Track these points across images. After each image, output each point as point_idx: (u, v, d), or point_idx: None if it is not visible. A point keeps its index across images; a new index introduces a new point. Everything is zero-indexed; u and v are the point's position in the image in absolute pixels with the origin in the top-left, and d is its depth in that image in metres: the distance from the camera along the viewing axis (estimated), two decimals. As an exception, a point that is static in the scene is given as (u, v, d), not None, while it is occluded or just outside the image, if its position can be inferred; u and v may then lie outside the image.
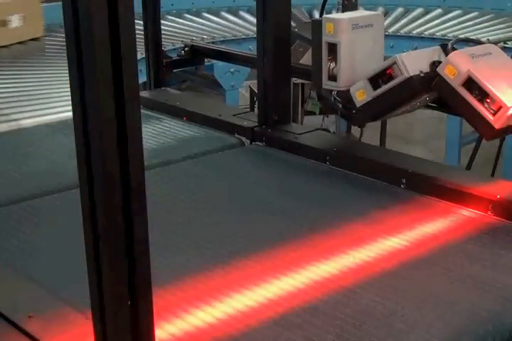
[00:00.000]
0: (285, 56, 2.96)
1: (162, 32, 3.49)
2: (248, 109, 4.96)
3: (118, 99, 1.31)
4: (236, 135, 3.00)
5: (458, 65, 2.33)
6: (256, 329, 1.75)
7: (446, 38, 5.49)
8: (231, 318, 1.79)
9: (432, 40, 5.52)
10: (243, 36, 5.86)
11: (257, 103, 4.13)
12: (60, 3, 1.30)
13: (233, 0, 6.48)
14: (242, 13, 6.39)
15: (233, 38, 5.82)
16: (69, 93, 1.35)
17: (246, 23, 6.17)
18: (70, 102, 1.35)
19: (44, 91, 4.26)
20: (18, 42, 5.33)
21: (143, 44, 3.41)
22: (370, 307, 1.83)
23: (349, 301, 1.85)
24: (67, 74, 1.34)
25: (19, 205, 2.43)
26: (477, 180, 2.45)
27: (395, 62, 2.43)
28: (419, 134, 7.35)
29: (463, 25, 5.92)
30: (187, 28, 6.01)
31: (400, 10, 6.36)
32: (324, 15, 2.68)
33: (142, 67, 3.67)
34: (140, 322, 1.44)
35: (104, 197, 1.36)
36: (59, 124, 3.26)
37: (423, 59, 2.44)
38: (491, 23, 5.92)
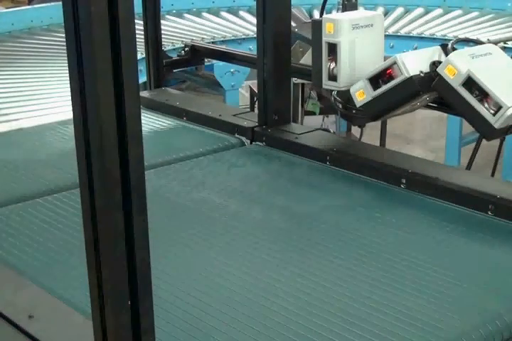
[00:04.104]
0: (285, 56, 2.96)
1: (162, 32, 3.49)
2: (248, 109, 4.96)
3: (118, 99, 1.31)
4: (236, 135, 3.00)
5: (458, 65, 2.33)
6: (255, 329, 1.75)
7: (447, 38, 5.49)
8: (230, 318, 1.79)
9: (432, 40, 5.52)
10: (243, 36, 5.86)
11: (257, 103, 4.12)
12: (60, 3, 1.30)
13: (233, 0, 6.47)
14: (242, 13, 6.39)
15: (233, 38, 5.81)
16: (69, 93, 1.35)
17: (246, 23, 6.17)
18: (70, 102, 1.35)
19: (44, 91, 4.26)
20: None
21: (143, 44, 3.41)
22: (370, 307, 1.83)
23: (349, 301, 1.86)
24: (67, 74, 1.34)
25: (19, 205, 2.43)
26: (477, 180, 2.45)
27: (395, 62, 2.43)
28: (419, 134, 7.34)
29: (463, 25, 5.91)
30: (187, 28, 6.01)
31: (400, 10, 6.35)
32: (324, 15, 2.68)
33: (142, 67, 3.67)
34: (140, 322, 1.44)
35: (104, 197, 1.36)
36: (59, 124, 3.26)
37: (423, 59, 2.44)
38: (491, 23, 5.92)
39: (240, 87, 5.68)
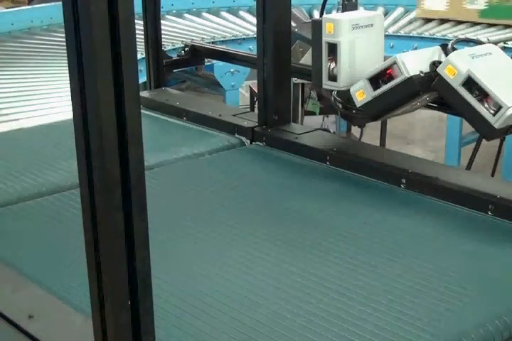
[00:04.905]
0: (285, 56, 2.96)
1: (162, 32, 3.49)
2: (248, 109, 4.96)
3: (118, 99, 1.31)
4: (236, 135, 3.00)
5: (458, 65, 2.33)
6: (256, 329, 1.75)
7: (447, 38, 5.49)
8: (230, 318, 1.79)
9: (432, 40, 5.52)
10: (243, 36, 5.86)
11: (257, 103, 4.12)
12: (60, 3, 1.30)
13: (233, 0, 6.47)
14: (242, 13, 6.39)
15: (233, 38, 5.82)
16: (69, 93, 1.35)
17: (246, 23, 6.17)
18: (70, 102, 1.35)
19: (44, 91, 4.26)
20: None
21: (143, 44, 3.41)
22: (369, 307, 1.83)
23: (349, 301, 1.86)
24: (67, 74, 1.34)
25: (19, 205, 2.43)
26: (477, 180, 2.45)
27: (395, 62, 2.43)
28: (419, 134, 7.34)
29: (463, 25, 5.91)
30: (187, 28, 6.01)
31: (400, 10, 6.35)
32: (324, 15, 2.68)
33: (142, 67, 3.67)
34: (140, 322, 1.44)
35: (104, 197, 1.36)
36: (59, 124, 3.26)
37: (423, 59, 2.44)
38: (491, 23, 5.91)
39: (240, 87, 5.68)
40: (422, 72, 2.41)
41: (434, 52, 2.47)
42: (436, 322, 1.76)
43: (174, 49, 4.97)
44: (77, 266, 1.87)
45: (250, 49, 5.44)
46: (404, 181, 2.49)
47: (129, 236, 1.39)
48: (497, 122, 2.28)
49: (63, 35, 1.33)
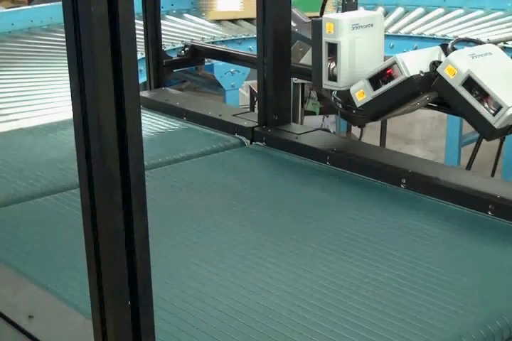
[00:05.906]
0: (285, 56, 2.96)
1: (162, 32, 3.49)
2: (248, 109, 4.96)
3: (118, 99, 1.31)
4: (236, 135, 3.00)
5: (458, 65, 2.33)
6: (256, 329, 1.75)
7: (447, 38, 5.49)
8: (230, 318, 1.79)
9: (432, 40, 5.52)
10: (243, 36, 5.86)
11: (257, 103, 4.13)
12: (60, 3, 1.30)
13: (233, 0, 6.48)
14: (242, 13, 6.40)
15: (233, 38, 5.82)
16: (69, 93, 1.35)
17: (246, 23, 6.17)
18: (70, 102, 1.35)
19: (44, 91, 4.26)
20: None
21: (143, 44, 3.41)
22: (368, 306, 1.83)
23: (350, 301, 1.86)
24: (67, 74, 1.34)
25: (19, 205, 2.43)
26: (477, 180, 2.45)
27: (395, 62, 2.43)
28: (419, 134, 7.35)
29: (463, 25, 5.91)
30: (187, 28, 6.01)
31: (400, 10, 6.35)
32: (324, 15, 2.68)
33: (142, 67, 3.67)
34: (140, 322, 1.44)
35: (104, 197, 1.36)
36: (59, 124, 3.26)
37: (423, 59, 2.44)
38: (491, 23, 5.92)
39: (240, 87, 5.69)
40: (422, 72, 2.41)
41: (434, 52, 2.47)
42: (437, 322, 1.76)
43: (174, 49, 4.97)
44: (77, 266, 1.88)
45: (250, 49, 5.44)
46: (404, 181, 2.49)
47: (129, 236, 1.39)
48: (497, 122, 2.28)
49: (63, 35, 1.33)
